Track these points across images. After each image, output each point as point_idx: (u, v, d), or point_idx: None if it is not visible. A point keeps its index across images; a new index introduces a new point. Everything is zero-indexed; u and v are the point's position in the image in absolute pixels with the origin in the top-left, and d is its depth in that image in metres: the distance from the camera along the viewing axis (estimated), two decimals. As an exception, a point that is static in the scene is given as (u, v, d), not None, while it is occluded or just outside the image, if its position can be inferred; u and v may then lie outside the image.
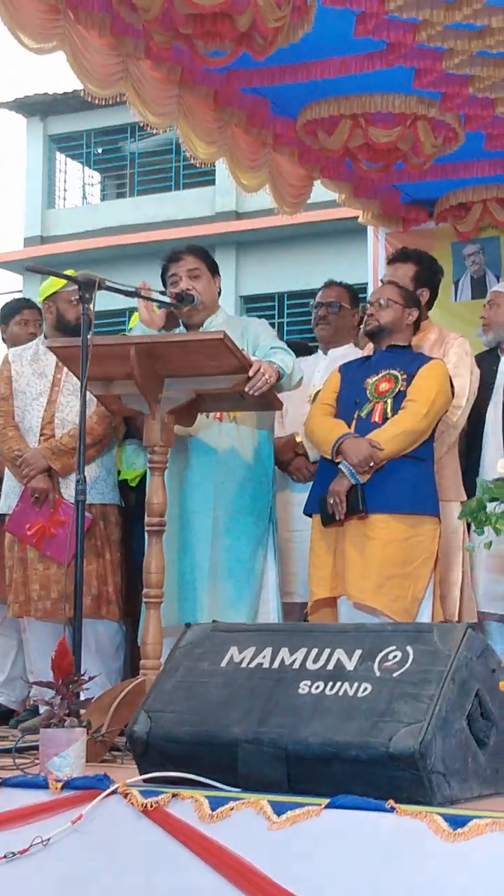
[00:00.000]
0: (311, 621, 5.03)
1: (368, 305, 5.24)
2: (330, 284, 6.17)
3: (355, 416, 5.03)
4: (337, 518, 4.90)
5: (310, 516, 5.17)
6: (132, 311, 6.30)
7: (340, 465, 4.90)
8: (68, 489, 5.23)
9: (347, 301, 6.06)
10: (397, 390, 5.00)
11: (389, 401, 5.00)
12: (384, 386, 5.03)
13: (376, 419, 4.98)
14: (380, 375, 5.07)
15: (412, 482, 4.96)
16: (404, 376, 5.02)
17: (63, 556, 4.99)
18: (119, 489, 5.61)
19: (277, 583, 5.16)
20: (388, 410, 4.98)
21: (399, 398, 4.99)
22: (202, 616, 4.83)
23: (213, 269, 5.21)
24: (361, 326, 6.51)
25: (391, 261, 5.71)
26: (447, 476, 5.45)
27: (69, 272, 4.80)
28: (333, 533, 4.97)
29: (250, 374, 4.62)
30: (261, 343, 5.04)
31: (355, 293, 6.18)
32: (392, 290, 5.25)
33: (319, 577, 5.00)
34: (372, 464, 4.86)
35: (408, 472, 4.95)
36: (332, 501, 4.89)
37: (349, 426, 5.01)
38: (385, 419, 4.96)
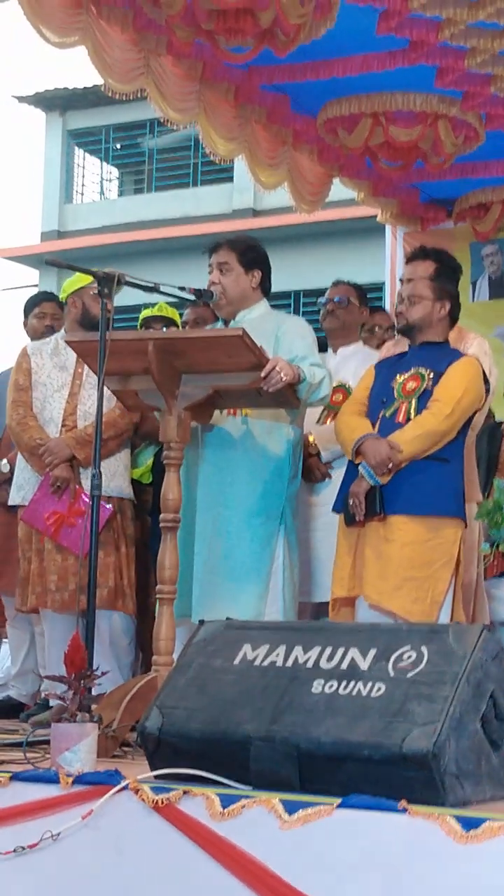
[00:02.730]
0: (331, 620, 4.99)
1: (398, 303, 5.13)
2: (338, 282, 6.17)
3: (381, 415, 4.95)
4: (357, 519, 4.87)
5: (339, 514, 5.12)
6: (145, 306, 6.31)
7: (360, 467, 4.85)
8: (88, 480, 5.23)
9: (355, 298, 6.05)
10: (423, 389, 4.90)
11: (414, 400, 4.90)
12: (411, 385, 4.94)
13: (400, 419, 4.88)
14: (409, 373, 4.97)
15: (433, 484, 4.86)
16: (431, 375, 4.91)
17: (79, 547, 4.99)
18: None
19: (290, 584, 5.06)
20: (412, 410, 4.88)
21: (424, 397, 4.89)
22: (195, 612, 4.82)
23: (248, 264, 5.14)
24: (375, 327, 6.51)
25: (410, 259, 5.68)
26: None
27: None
28: (355, 533, 4.91)
29: (263, 372, 4.60)
30: (295, 350, 4.95)
31: (364, 292, 6.17)
32: (421, 284, 5.08)
33: (339, 576, 4.95)
34: (391, 465, 4.80)
35: (429, 474, 4.85)
36: (351, 503, 4.85)
37: (374, 425, 4.94)
38: (408, 419, 4.87)
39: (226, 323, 5.20)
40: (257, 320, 5.07)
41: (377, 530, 4.83)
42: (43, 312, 6.35)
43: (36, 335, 6.14)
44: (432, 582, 4.82)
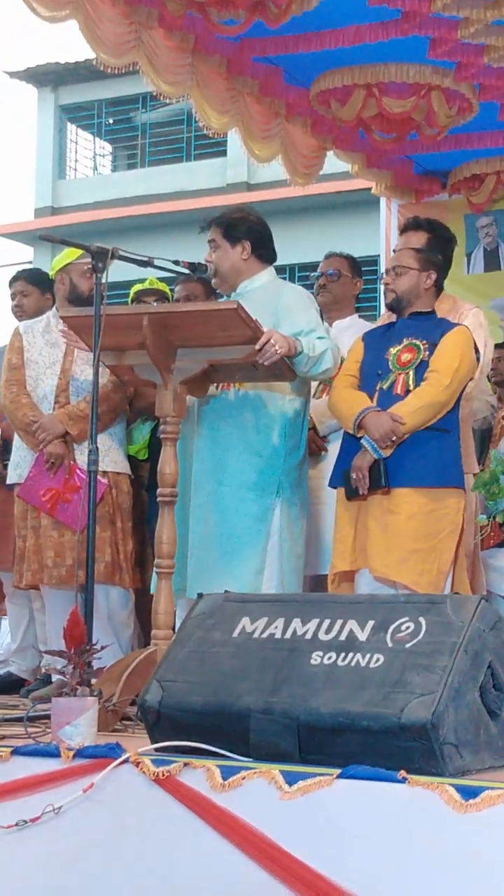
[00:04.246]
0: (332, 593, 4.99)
1: (385, 275, 5.13)
2: (330, 255, 6.15)
3: (377, 388, 4.94)
4: (360, 493, 4.87)
5: (337, 489, 5.11)
6: (135, 282, 6.30)
7: (362, 441, 4.83)
8: (83, 456, 5.22)
9: (347, 270, 6.02)
10: (419, 360, 4.89)
11: (411, 372, 4.89)
12: (406, 356, 4.93)
13: (398, 391, 4.87)
14: (402, 345, 4.96)
15: (435, 455, 4.86)
16: (426, 345, 4.91)
17: (77, 523, 5.00)
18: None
19: (290, 558, 5.03)
20: (411, 382, 4.87)
21: (421, 369, 4.89)
22: (190, 588, 4.81)
23: (234, 237, 5.09)
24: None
25: (403, 230, 5.67)
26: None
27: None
28: (356, 506, 4.91)
29: (258, 345, 4.59)
30: (298, 325, 4.92)
31: (356, 263, 6.14)
32: (406, 255, 5.10)
33: (341, 549, 4.94)
34: (394, 438, 4.79)
35: (431, 445, 4.85)
36: (355, 476, 4.84)
37: (371, 398, 4.92)
38: (407, 391, 4.86)
39: (227, 298, 5.18)
40: (258, 291, 5.05)
41: (380, 503, 4.83)
42: (14, 292, 6.35)
43: (14, 315, 6.18)
44: (438, 552, 4.83)
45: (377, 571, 4.81)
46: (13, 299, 6.33)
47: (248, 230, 5.12)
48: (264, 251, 5.17)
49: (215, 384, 4.96)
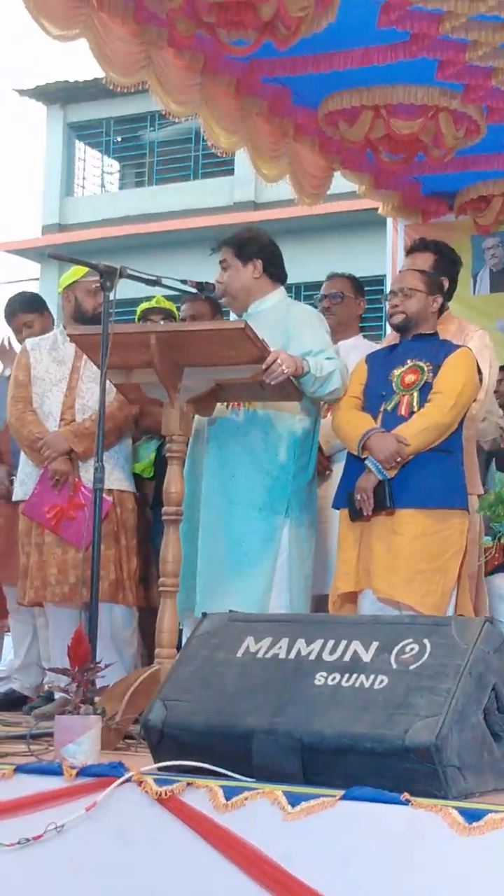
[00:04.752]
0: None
1: (391, 296, 5.13)
2: (333, 276, 6.15)
3: (381, 409, 4.94)
4: (364, 514, 4.87)
5: (341, 510, 5.10)
6: (142, 300, 6.31)
7: (367, 462, 4.84)
8: (87, 473, 5.22)
9: (351, 291, 6.03)
10: (423, 382, 4.90)
11: (416, 393, 4.90)
12: (410, 378, 4.94)
13: (402, 412, 4.89)
14: (406, 367, 4.96)
15: (440, 476, 4.87)
16: (430, 367, 4.92)
17: (81, 540, 4.99)
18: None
19: (299, 578, 5.01)
20: (415, 403, 4.88)
21: (425, 390, 4.90)
22: (199, 607, 4.77)
23: (246, 256, 5.09)
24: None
25: (409, 251, 5.69)
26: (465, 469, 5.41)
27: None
28: (359, 527, 4.91)
29: (264, 365, 4.59)
30: (307, 345, 4.92)
31: (359, 283, 6.15)
32: (414, 277, 5.11)
33: (344, 570, 4.94)
34: (399, 459, 4.79)
35: (435, 466, 4.86)
36: (359, 498, 4.84)
37: (375, 419, 4.93)
38: (411, 412, 4.87)
39: (239, 318, 5.18)
40: (269, 311, 5.06)
41: (385, 524, 4.83)
42: (16, 327, 6.25)
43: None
44: (443, 573, 4.83)
45: (381, 592, 4.81)
46: (19, 332, 6.28)
47: (260, 249, 5.13)
48: (275, 270, 5.17)
49: (226, 403, 4.97)
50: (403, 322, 5.07)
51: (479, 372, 5.13)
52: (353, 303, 6.03)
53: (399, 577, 4.77)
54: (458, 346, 5.07)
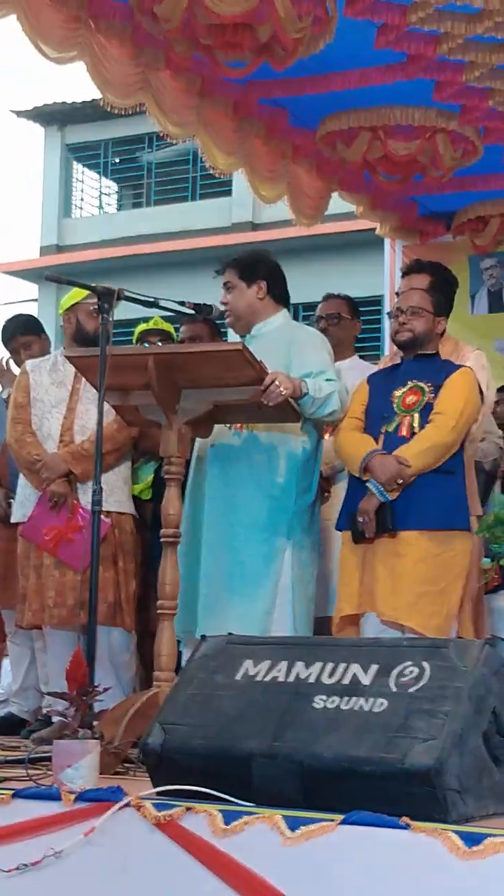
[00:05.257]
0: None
1: (397, 313, 5.10)
2: (329, 297, 6.16)
3: (383, 430, 4.94)
4: (367, 536, 4.85)
5: (343, 532, 5.09)
6: (140, 321, 6.31)
7: (368, 484, 4.83)
8: (86, 495, 5.20)
9: (347, 311, 6.04)
10: (424, 402, 4.90)
11: (416, 414, 4.89)
12: (411, 399, 4.93)
13: (404, 434, 4.88)
14: (407, 388, 4.96)
15: (442, 497, 4.86)
16: (431, 388, 4.91)
17: (79, 563, 4.98)
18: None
19: (301, 600, 4.98)
20: (416, 424, 4.88)
21: (426, 411, 4.89)
22: (199, 629, 4.77)
23: (249, 277, 5.10)
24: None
25: (406, 272, 5.70)
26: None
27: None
28: (362, 549, 4.90)
29: (262, 386, 4.59)
30: (308, 366, 4.92)
31: (355, 304, 6.15)
32: (421, 297, 5.07)
33: (347, 593, 4.92)
34: (400, 481, 4.78)
35: (437, 487, 4.84)
36: (361, 520, 4.83)
37: (377, 441, 4.92)
38: (412, 434, 4.86)
39: (243, 340, 5.18)
40: (273, 333, 5.06)
41: (387, 546, 4.82)
42: (14, 349, 6.29)
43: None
44: (446, 595, 4.82)
45: (385, 615, 4.79)
46: (17, 354, 6.29)
47: (266, 270, 5.15)
48: (279, 292, 5.18)
49: (228, 425, 4.96)
50: (409, 341, 5.05)
51: (481, 392, 5.12)
52: (349, 323, 6.04)
53: (403, 600, 4.76)
54: (459, 366, 5.06)
